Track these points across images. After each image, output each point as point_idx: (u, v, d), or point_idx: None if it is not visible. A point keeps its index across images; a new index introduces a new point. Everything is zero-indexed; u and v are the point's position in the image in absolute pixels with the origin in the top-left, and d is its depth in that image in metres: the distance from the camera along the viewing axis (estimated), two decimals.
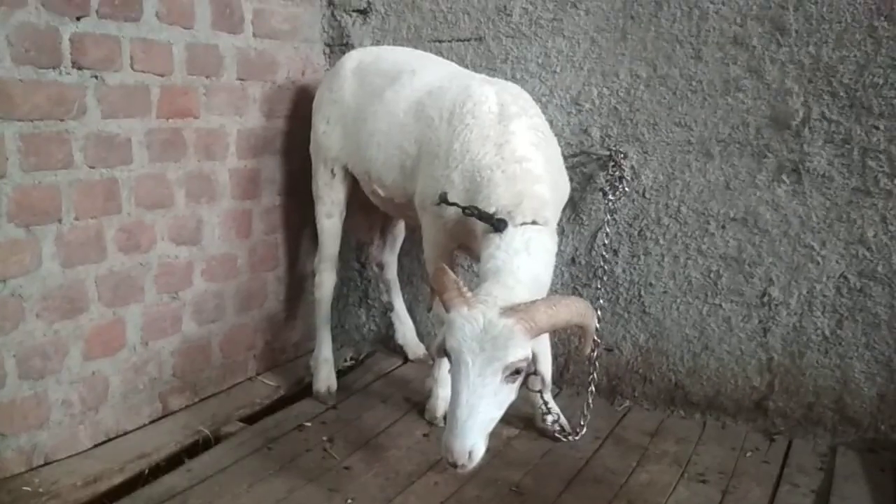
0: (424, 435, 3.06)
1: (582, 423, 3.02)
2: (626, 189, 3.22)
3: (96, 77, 2.77)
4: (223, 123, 3.32)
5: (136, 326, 3.02)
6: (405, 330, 3.83)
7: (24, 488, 2.57)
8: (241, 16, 3.35)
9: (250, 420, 3.23)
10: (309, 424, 3.14)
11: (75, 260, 2.76)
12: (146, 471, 2.81)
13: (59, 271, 2.71)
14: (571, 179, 3.09)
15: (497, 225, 2.50)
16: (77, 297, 2.79)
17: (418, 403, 3.28)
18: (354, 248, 3.99)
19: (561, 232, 3.29)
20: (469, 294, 2.28)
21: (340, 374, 3.62)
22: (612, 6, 3.20)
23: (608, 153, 3.26)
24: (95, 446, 2.89)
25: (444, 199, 2.66)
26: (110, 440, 2.95)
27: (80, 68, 2.71)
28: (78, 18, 2.68)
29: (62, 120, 2.67)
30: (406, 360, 3.82)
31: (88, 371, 2.86)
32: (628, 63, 3.20)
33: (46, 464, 2.73)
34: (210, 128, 3.26)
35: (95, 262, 2.84)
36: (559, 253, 2.71)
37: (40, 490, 2.57)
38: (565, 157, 3.05)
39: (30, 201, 2.60)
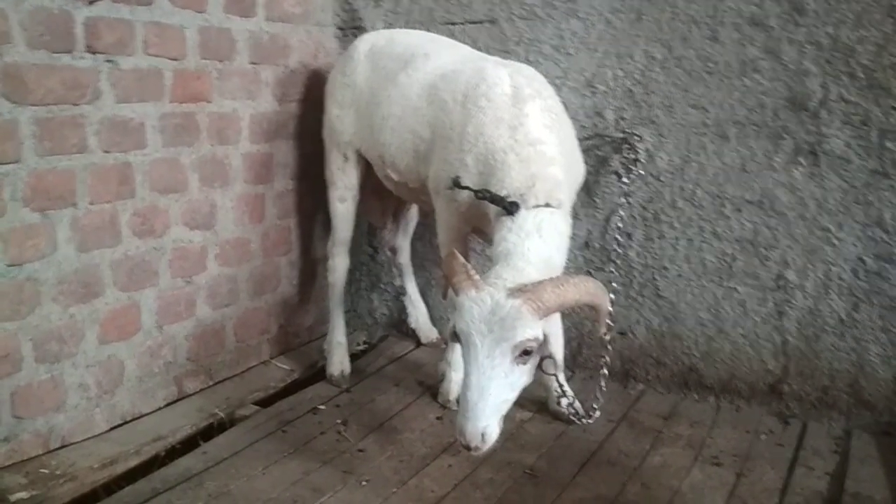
0: (438, 418, 3.07)
1: (595, 406, 3.02)
2: (641, 172, 3.20)
3: (110, 61, 2.77)
4: (236, 108, 3.32)
5: (150, 310, 3.04)
6: (418, 314, 3.84)
7: (42, 470, 2.59)
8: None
9: (265, 403, 3.25)
10: (323, 407, 3.16)
11: (90, 244, 2.78)
12: (162, 453, 2.83)
13: (74, 255, 2.73)
14: (585, 162, 3.08)
15: (509, 208, 2.49)
16: (92, 282, 2.80)
17: (431, 387, 3.29)
18: (367, 233, 3.99)
19: (575, 215, 3.26)
20: (477, 277, 2.28)
21: (354, 357, 3.63)
22: None
23: (623, 136, 3.24)
24: (112, 429, 2.92)
25: (457, 183, 2.65)
26: (126, 423, 2.97)
27: (93, 52, 2.71)
28: (91, 2, 2.67)
29: (76, 104, 2.68)
30: (419, 343, 3.83)
31: (104, 355, 2.88)
32: (643, 44, 3.17)
33: (63, 446, 2.75)
34: (223, 112, 3.26)
35: (110, 247, 2.85)
36: (573, 236, 2.70)
37: (57, 472, 2.60)
38: (579, 140, 3.03)
39: (45, 186, 2.61)
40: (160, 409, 3.11)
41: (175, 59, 3.01)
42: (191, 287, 3.21)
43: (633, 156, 3.19)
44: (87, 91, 2.71)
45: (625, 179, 3.15)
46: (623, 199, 3.17)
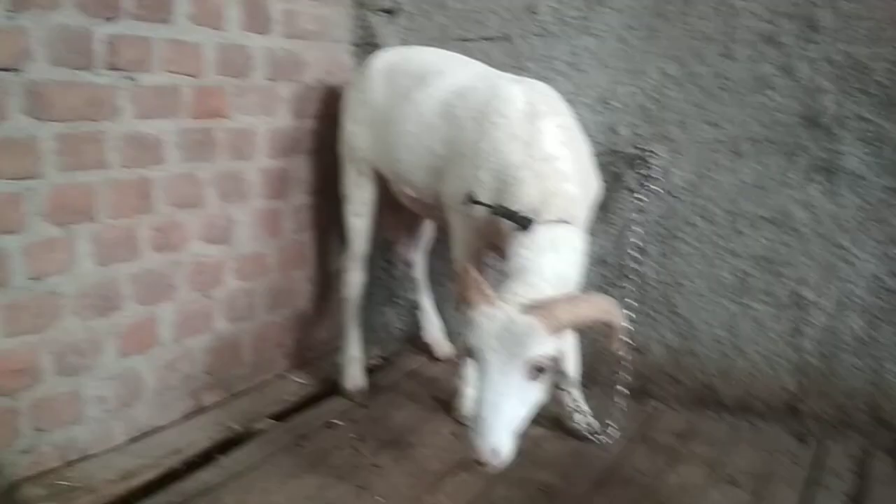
0: (453, 434, 3.06)
1: (611, 423, 3.01)
2: (655, 188, 3.21)
3: (129, 78, 2.81)
4: (253, 123, 3.35)
5: (169, 324, 3.07)
6: (433, 329, 3.85)
7: (61, 482, 2.61)
8: (271, 16, 3.39)
9: (280, 417, 3.25)
10: (338, 422, 3.16)
11: (110, 258, 2.81)
12: (180, 466, 2.83)
13: (93, 269, 2.76)
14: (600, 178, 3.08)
15: (523, 223, 2.50)
16: (111, 295, 2.83)
17: (446, 402, 3.29)
18: (382, 247, 4.01)
19: (589, 231, 3.28)
20: (491, 292, 2.29)
21: (369, 372, 3.64)
22: (640, 4, 3.19)
23: (637, 152, 3.24)
24: (130, 442, 2.94)
25: (471, 199, 2.67)
26: (144, 436, 2.99)
27: (113, 69, 2.74)
28: (111, 20, 2.71)
29: (96, 120, 2.71)
30: (434, 358, 3.83)
31: (123, 368, 2.90)
32: (657, 61, 3.18)
33: (82, 459, 2.77)
34: (240, 128, 3.29)
35: (129, 261, 2.88)
36: (588, 253, 2.71)
37: (76, 484, 2.61)
38: (594, 156, 3.05)
39: (65, 201, 2.64)
40: (178, 422, 3.12)
41: (193, 76, 3.05)
42: (208, 301, 3.24)
43: (647, 172, 3.20)
44: (107, 107, 2.74)
45: (639, 196, 3.15)
46: (637, 216, 3.17)
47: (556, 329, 2.18)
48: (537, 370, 2.21)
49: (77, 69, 2.64)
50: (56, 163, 2.60)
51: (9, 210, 2.48)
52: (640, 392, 3.37)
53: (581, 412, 2.93)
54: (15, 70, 2.46)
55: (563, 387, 2.38)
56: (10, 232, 2.49)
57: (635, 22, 3.20)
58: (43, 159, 2.57)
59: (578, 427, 2.99)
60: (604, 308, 2.28)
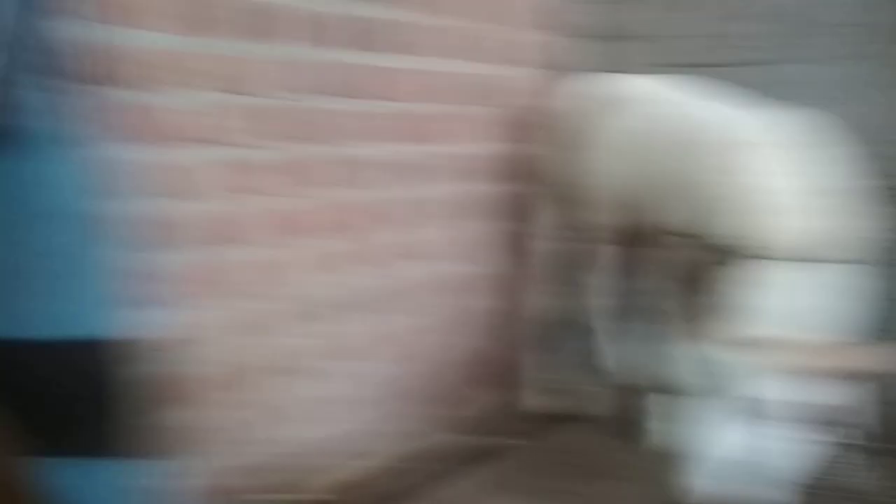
0: (639, 467, 2.95)
1: (860, 477, 2.78)
2: None
3: (335, 103, 2.96)
4: (448, 148, 3.44)
5: (362, 335, 3.19)
6: (616, 357, 3.74)
7: (268, 476, 2.75)
8: (468, 42, 3.47)
9: (461, 435, 3.31)
10: (517, 444, 3.18)
11: (315, 273, 2.97)
12: (364, 472, 2.95)
13: (299, 281, 2.92)
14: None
15: (727, 258, 2.41)
16: (313, 308, 2.99)
17: (629, 433, 3.20)
18: (565, 273, 3.96)
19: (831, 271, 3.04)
20: (693, 326, 2.22)
21: (548, 397, 3.61)
22: (865, 26, 2.96)
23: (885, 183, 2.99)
24: (320, 444, 3.03)
25: (669, 230, 2.61)
26: (334, 441, 3.09)
27: (321, 94, 2.91)
28: (319, 48, 2.88)
29: (309, 143, 2.89)
30: (615, 388, 3.73)
31: (324, 373, 3.03)
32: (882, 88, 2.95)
33: (284, 457, 2.88)
34: (435, 151, 3.38)
35: (329, 274, 3.03)
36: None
37: (280, 481, 2.75)
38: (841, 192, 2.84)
39: (283, 219, 2.82)
40: (364, 431, 3.23)
41: (391, 101, 3.17)
42: (399, 317, 3.34)
43: None
44: (317, 130, 2.91)
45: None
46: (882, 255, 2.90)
47: (774, 371, 2.07)
48: (750, 413, 2.10)
49: (294, 93, 2.82)
50: (277, 183, 2.79)
51: (233, 226, 2.69)
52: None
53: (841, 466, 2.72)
54: (236, 93, 2.67)
55: (820, 438, 2.22)
56: (233, 243, 2.70)
57: (855, 48, 2.98)
58: (260, 178, 2.77)
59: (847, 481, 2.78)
60: (846, 356, 2.12)
